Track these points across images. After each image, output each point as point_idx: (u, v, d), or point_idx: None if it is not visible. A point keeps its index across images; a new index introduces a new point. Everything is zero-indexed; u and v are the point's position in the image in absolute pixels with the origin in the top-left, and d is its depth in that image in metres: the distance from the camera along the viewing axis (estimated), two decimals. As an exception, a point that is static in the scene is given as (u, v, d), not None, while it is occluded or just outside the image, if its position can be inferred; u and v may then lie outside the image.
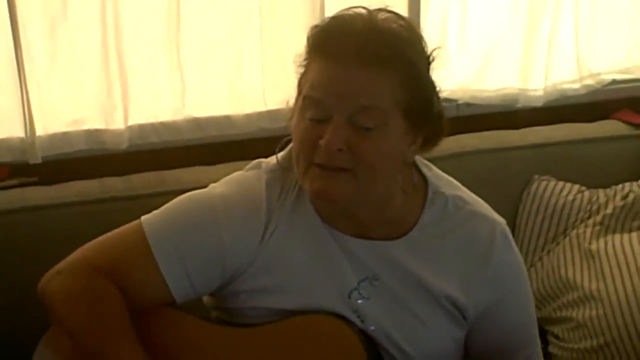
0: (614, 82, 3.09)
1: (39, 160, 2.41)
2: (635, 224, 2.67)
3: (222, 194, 1.73)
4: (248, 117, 2.63)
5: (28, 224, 2.29)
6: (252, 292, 1.72)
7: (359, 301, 1.71)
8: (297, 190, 1.73)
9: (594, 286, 2.49)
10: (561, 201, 2.74)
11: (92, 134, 2.50)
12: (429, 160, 1.82)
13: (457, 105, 2.91)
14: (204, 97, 2.60)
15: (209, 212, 1.70)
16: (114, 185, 2.42)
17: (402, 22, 1.63)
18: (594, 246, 2.59)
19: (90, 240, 1.72)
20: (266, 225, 1.71)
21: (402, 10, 2.69)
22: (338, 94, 1.57)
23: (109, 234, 1.72)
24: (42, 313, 1.67)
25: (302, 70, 1.66)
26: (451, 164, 2.30)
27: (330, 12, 2.53)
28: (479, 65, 2.92)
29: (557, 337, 2.55)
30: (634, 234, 2.58)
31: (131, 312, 1.64)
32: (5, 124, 2.42)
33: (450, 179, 1.84)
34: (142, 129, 2.55)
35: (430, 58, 1.66)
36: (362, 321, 1.71)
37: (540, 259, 2.71)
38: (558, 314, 2.57)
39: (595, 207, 2.72)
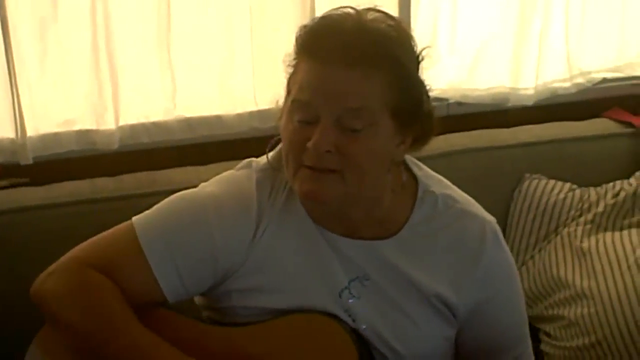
0: (604, 80, 3.10)
1: (30, 161, 2.41)
2: (626, 222, 2.68)
3: (213, 194, 1.73)
4: (239, 116, 2.64)
5: (19, 224, 2.29)
6: (244, 292, 1.72)
7: (350, 300, 1.72)
8: (287, 191, 1.73)
9: (585, 284, 2.50)
10: (552, 199, 2.74)
11: (83, 135, 2.49)
12: (420, 159, 1.82)
13: (448, 104, 2.92)
14: (194, 97, 2.60)
15: (200, 211, 1.70)
16: (105, 185, 2.42)
17: (391, 22, 1.62)
18: (585, 244, 2.59)
19: (82, 240, 1.71)
20: (257, 224, 1.71)
21: (393, 9, 2.69)
22: (325, 96, 1.56)
23: (100, 235, 1.72)
24: (35, 314, 1.66)
25: (291, 70, 1.65)
26: (442, 163, 2.31)
27: (320, 12, 2.53)
28: (469, 64, 2.92)
29: (549, 335, 2.55)
30: (625, 232, 2.59)
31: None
32: (-4, 124, 2.42)
33: (441, 177, 1.83)
34: (133, 129, 2.55)
35: (420, 57, 1.66)
36: (353, 320, 1.71)
37: (532, 257, 2.71)
38: (550, 312, 2.57)
39: (586, 206, 2.72)
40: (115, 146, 2.50)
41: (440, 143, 2.63)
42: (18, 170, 2.43)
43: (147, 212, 1.73)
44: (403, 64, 1.60)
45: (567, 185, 2.78)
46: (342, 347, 1.67)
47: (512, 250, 2.67)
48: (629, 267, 2.46)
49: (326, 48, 1.56)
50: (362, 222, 1.73)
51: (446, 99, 2.91)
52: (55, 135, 2.47)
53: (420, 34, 2.77)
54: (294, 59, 1.64)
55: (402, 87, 1.60)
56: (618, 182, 2.78)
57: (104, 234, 1.72)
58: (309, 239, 1.73)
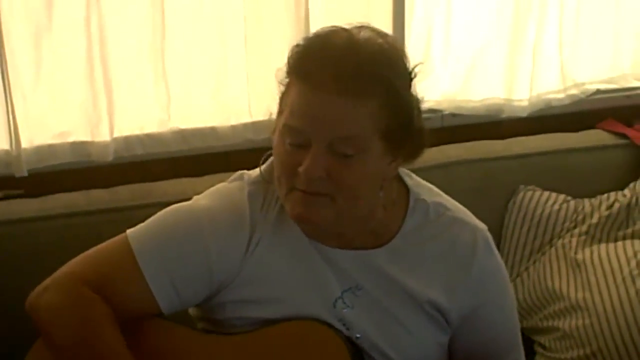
0: (598, 92, 3.10)
1: (25, 174, 2.40)
2: (621, 233, 2.68)
3: (206, 206, 1.74)
4: (233, 128, 2.63)
5: (14, 236, 2.29)
6: (239, 303, 1.72)
7: (344, 310, 1.72)
8: (279, 205, 1.73)
9: (580, 296, 2.50)
10: (547, 211, 2.74)
11: (78, 146, 2.49)
12: (414, 170, 1.82)
13: (442, 115, 2.91)
14: (189, 108, 2.60)
15: (195, 223, 1.71)
16: (100, 197, 2.42)
17: (383, 41, 1.61)
18: (579, 256, 2.59)
19: (77, 251, 1.72)
20: (250, 236, 1.71)
21: (387, 20, 2.70)
22: (316, 124, 1.56)
23: (95, 248, 1.72)
24: (30, 327, 1.66)
25: (282, 88, 1.65)
26: (437, 174, 2.31)
27: (315, 22, 2.57)
28: (464, 76, 2.92)
29: (543, 347, 2.55)
30: (620, 244, 2.59)
31: (119, 324, 1.64)
32: (-10, 136, 2.42)
33: (431, 186, 1.84)
34: (127, 140, 2.54)
35: (413, 74, 1.65)
36: (347, 329, 1.72)
37: (527, 268, 2.71)
38: (544, 323, 2.57)
39: (580, 217, 2.73)
40: (110, 158, 2.50)
41: (435, 154, 2.63)
42: (12, 182, 2.42)
43: (141, 225, 1.73)
44: (395, 87, 1.59)
45: (562, 196, 2.78)
46: (336, 354, 1.67)
47: (506, 261, 2.69)
48: (623, 279, 2.46)
49: (318, 74, 1.55)
50: (355, 235, 1.74)
51: (440, 111, 2.91)
52: (50, 147, 2.46)
53: (414, 45, 2.79)
54: (286, 77, 1.64)
55: (394, 110, 1.59)
56: (612, 194, 2.79)
57: (99, 247, 1.72)
58: (302, 251, 1.73)
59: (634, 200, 2.73)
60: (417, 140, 1.68)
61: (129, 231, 1.72)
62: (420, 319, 1.75)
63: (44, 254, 2.16)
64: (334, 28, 1.63)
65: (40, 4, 2.35)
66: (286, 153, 1.61)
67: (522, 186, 2.79)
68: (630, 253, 2.52)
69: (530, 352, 2.52)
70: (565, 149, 2.87)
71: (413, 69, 1.65)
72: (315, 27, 2.52)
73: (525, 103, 2.94)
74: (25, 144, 2.41)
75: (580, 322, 2.45)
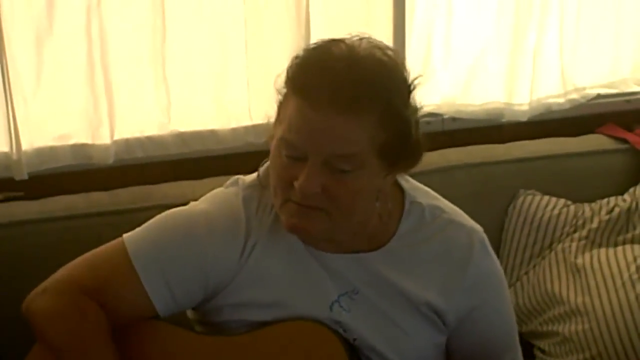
0: (598, 96, 3.10)
1: (25, 176, 2.40)
2: (621, 238, 2.68)
3: (203, 211, 1.75)
4: (234, 131, 2.64)
5: (14, 238, 2.29)
6: (236, 306, 1.73)
7: (341, 313, 1.72)
8: (275, 210, 1.73)
9: (579, 300, 2.50)
10: (547, 215, 2.74)
11: (78, 149, 2.49)
12: (414, 174, 1.82)
13: (443, 119, 2.92)
14: (189, 111, 2.60)
15: (191, 227, 1.72)
16: (100, 200, 2.42)
17: (383, 55, 1.60)
18: (579, 260, 2.60)
19: (76, 254, 1.73)
20: (245, 240, 1.72)
21: (387, 25, 2.70)
22: (313, 140, 1.56)
23: (92, 252, 1.73)
24: (28, 330, 1.66)
25: (281, 98, 1.65)
26: (437, 178, 2.32)
27: (315, 27, 2.57)
28: (464, 80, 2.92)
29: (543, 351, 2.55)
30: (619, 248, 2.59)
31: (117, 326, 1.66)
32: (-9, 139, 2.42)
33: (427, 189, 1.85)
34: (128, 143, 2.55)
35: (412, 87, 1.64)
36: (344, 332, 1.72)
37: (526, 273, 2.71)
38: (544, 328, 2.57)
39: (580, 222, 2.73)
40: (110, 161, 2.50)
41: (435, 158, 2.64)
42: (13, 184, 2.42)
43: (137, 229, 1.75)
44: (393, 105, 1.58)
45: (562, 201, 2.78)
46: (334, 354, 1.68)
47: (506, 266, 2.69)
48: (623, 284, 2.46)
49: (316, 91, 1.54)
50: (350, 240, 1.74)
51: (441, 115, 2.91)
52: (51, 150, 2.47)
53: (415, 49, 2.79)
54: (284, 87, 1.63)
55: (392, 127, 1.58)
56: (612, 198, 2.79)
57: (96, 251, 1.73)
58: (298, 255, 1.74)
59: (634, 205, 2.73)
60: (414, 153, 1.68)
61: (125, 235, 1.73)
62: (417, 321, 1.75)
63: (44, 256, 2.16)
64: (334, 41, 1.61)
65: (42, 8, 2.36)
66: (282, 165, 1.61)
67: (522, 190, 2.79)
68: (630, 258, 2.53)
69: (529, 356, 2.52)
70: (565, 154, 2.87)
71: (412, 81, 1.64)
72: (315, 31, 2.54)
73: (525, 107, 2.94)
74: (25, 146, 2.41)
75: (580, 326, 2.45)
